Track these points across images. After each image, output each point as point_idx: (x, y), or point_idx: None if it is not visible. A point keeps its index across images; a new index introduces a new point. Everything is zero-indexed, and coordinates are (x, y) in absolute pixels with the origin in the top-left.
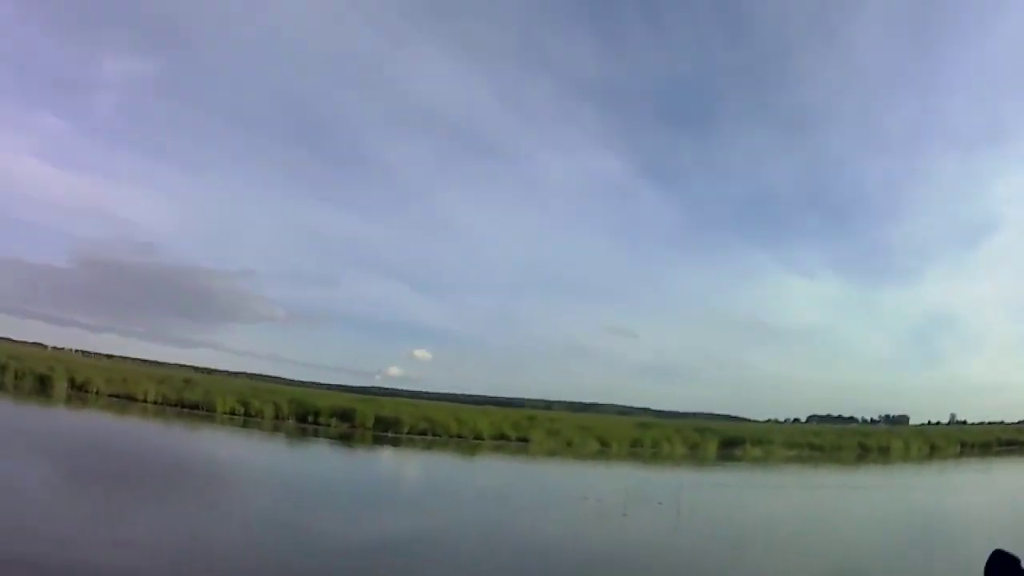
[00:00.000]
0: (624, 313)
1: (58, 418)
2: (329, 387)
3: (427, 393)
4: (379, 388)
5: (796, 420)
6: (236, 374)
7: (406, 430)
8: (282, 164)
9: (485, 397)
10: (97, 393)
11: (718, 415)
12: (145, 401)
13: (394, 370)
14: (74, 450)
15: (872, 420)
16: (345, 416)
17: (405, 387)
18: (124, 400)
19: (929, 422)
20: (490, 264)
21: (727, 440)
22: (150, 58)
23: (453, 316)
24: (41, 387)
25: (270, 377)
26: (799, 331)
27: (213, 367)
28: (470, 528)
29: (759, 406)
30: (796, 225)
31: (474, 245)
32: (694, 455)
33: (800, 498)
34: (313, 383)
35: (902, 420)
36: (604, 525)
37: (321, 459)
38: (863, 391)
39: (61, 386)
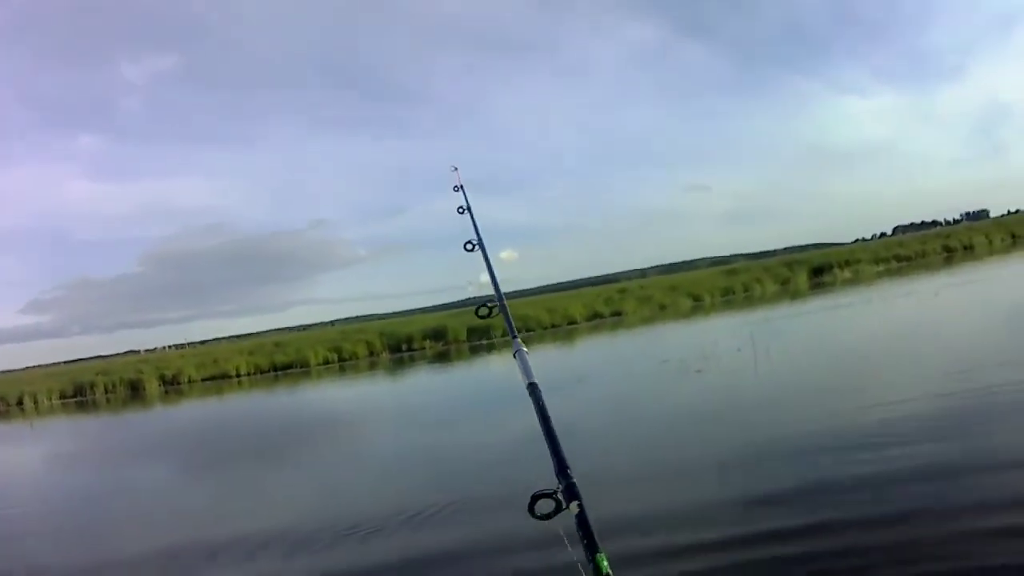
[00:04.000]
0: (694, 169)
1: (151, 417)
2: (425, 310)
3: (522, 291)
4: (474, 298)
5: (883, 234)
6: (333, 323)
7: (500, 333)
8: (327, 113)
9: (581, 280)
10: (190, 382)
11: (807, 245)
12: (239, 376)
13: (485, 276)
14: (171, 443)
15: (954, 220)
16: (437, 335)
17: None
18: (218, 381)
19: (1008, 212)
20: (554, 153)
21: (816, 268)
22: (167, 51)
23: (531, 210)
24: (133, 393)
25: (367, 316)
26: (865, 149)
27: (310, 322)
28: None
29: (844, 228)
30: (836, 46)
31: (534, 139)
32: (786, 290)
33: (887, 310)
34: (410, 310)
35: (982, 215)
36: (673, 386)
37: (417, 383)
38: (940, 194)
39: (153, 386)
